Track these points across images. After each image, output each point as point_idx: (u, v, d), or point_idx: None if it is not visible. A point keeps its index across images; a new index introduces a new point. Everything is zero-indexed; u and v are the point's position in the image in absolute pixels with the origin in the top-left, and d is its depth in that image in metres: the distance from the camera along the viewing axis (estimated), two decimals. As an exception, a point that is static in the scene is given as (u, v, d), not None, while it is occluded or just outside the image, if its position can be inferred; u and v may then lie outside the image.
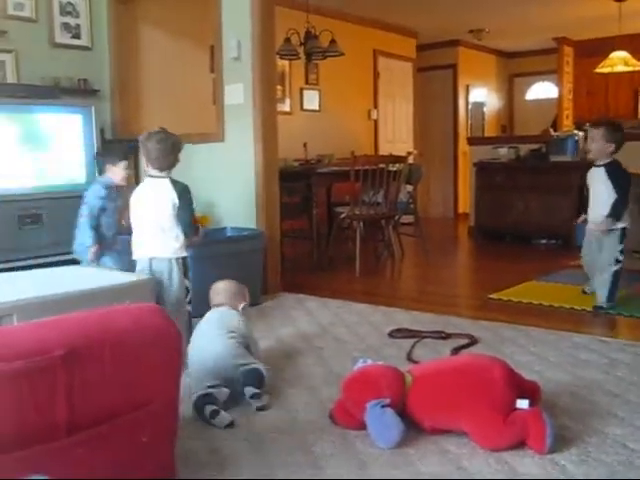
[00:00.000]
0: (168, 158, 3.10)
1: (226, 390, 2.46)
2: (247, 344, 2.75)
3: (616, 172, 3.91)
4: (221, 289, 3.01)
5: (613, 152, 3.92)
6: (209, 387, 2.44)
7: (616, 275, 3.92)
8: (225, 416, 2.34)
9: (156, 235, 3.11)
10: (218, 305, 2.94)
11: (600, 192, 3.95)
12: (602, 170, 3.93)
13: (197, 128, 5.04)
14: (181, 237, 3.14)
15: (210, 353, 2.59)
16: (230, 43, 4.53)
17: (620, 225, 3.92)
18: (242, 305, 2.96)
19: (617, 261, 3.91)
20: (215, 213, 4.73)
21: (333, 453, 2.09)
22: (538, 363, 2.98)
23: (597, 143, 3.91)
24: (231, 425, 2.32)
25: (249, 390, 2.48)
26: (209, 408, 2.33)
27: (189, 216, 3.18)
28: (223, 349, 2.60)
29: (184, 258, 3.20)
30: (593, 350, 3.15)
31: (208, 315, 2.87)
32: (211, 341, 2.65)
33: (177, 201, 3.09)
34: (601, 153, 3.93)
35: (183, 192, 3.14)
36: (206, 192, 4.78)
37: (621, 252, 3.94)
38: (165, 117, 5.66)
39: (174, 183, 3.13)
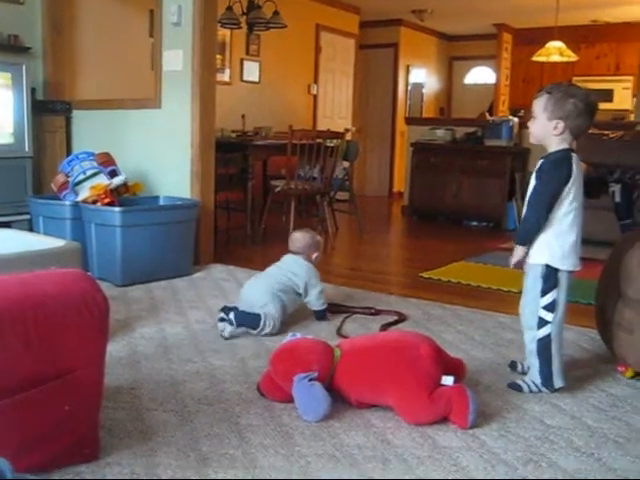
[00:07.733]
0: None
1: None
2: (305, 288, 3.21)
3: (543, 168, 2.35)
4: (296, 239, 3.36)
5: (573, 135, 2.33)
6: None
7: (543, 345, 2.38)
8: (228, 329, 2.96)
9: None
10: (294, 253, 3.32)
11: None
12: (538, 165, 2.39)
13: (134, 93, 4.91)
14: None
15: (247, 293, 3.17)
16: (170, 7, 4.41)
17: (536, 260, 2.37)
18: (315, 255, 3.35)
19: (542, 321, 2.37)
20: (149, 181, 4.63)
21: (259, 425, 2.10)
22: (464, 341, 3.05)
23: (537, 120, 2.36)
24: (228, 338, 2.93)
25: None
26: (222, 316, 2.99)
27: None
28: (255, 293, 3.12)
29: None
30: (517, 330, 3.20)
31: (282, 258, 3.33)
32: (252, 284, 3.20)
33: None
34: (544, 136, 2.36)
35: None
36: (140, 159, 4.68)
37: (548, 308, 2.35)
38: (101, 80, 5.51)
39: None
